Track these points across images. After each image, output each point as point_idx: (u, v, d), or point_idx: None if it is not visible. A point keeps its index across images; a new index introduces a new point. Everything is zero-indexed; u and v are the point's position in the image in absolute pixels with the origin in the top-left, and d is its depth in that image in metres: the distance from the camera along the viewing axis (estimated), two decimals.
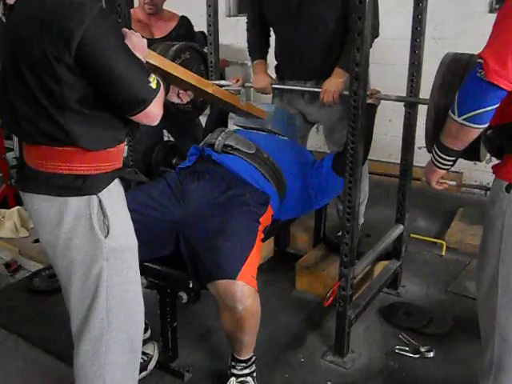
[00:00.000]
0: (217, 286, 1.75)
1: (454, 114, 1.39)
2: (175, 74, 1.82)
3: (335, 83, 2.48)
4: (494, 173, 1.50)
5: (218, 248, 1.80)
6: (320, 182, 2.31)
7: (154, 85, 1.39)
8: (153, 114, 1.42)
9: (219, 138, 2.28)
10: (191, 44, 2.72)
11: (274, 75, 2.79)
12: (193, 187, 2.07)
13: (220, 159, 2.21)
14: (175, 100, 1.99)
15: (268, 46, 2.82)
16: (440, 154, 1.53)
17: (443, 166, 1.56)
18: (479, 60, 1.29)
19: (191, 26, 3.23)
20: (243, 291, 1.75)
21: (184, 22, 3.20)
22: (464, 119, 1.36)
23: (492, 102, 1.32)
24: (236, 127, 2.53)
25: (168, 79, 1.82)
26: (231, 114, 2.61)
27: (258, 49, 2.80)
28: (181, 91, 1.99)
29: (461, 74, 1.61)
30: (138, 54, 1.44)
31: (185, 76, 1.88)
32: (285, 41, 2.63)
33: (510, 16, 1.26)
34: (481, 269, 1.55)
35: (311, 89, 2.60)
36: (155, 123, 1.46)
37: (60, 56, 1.29)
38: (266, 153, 2.25)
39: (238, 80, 2.63)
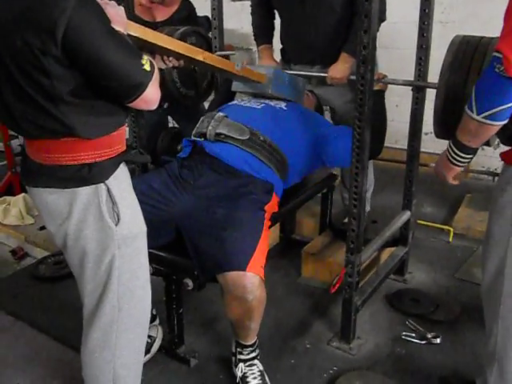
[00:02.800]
0: (226, 277, 1.73)
1: (473, 112, 1.31)
2: (161, 45, 1.71)
3: (341, 69, 2.44)
4: (502, 160, 1.47)
5: (226, 239, 1.77)
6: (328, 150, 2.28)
7: (147, 67, 1.33)
8: (150, 98, 1.37)
9: (209, 126, 2.15)
10: (196, 28, 2.68)
11: (279, 58, 2.74)
12: (192, 180, 2.03)
13: (213, 151, 2.10)
14: (161, 65, 1.90)
15: (273, 29, 2.78)
16: (457, 152, 1.46)
17: (461, 164, 1.49)
18: (496, 54, 1.22)
19: (193, 10, 3.19)
20: (253, 282, 1.73)
21: (186, 5, 3.15)
22: (484, 117, 1.30)
23: None
24: (223, 114, 2.30)
25: (154, 50, 1.72)
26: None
27: (263, 33, 2.75)
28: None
29: (471, 54, 1.57)
30: (116, 26, 1.35)
31: (171, 45, 1.77)
32: (290, 25, 2.59)
33: None
34: (486, 257, 1.53)
35: (318, 74, 2.56)
36: (154, 107, 1.42)
37: (45, 48, 1.23)
38: (261, 135, 2.13)
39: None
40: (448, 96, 1.60)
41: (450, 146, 1.48)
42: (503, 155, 1.46)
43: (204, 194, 1.99)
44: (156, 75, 1.37)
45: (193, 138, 2.21)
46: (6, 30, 1.27)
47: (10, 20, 1.26)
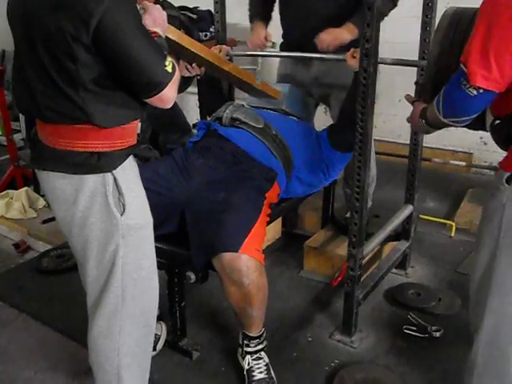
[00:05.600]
0: (221, 259, 1.75)
1: (439, 112, 1.39)
2: (193, 50, 1.81)
3: (337, 32, 2.29)
4: (498, 164, 1.45)
5: (222, 222, 1.80)
6: (324, 159, 2.30)
7: (169, 68, 1.38)
8: (167, 97, 1.41)
9: (227, 111, 2.27)
10: (165, 10, 2.60)
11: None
12: (198, 163, 2.07)
13: (226, 133, 2.20)
14: (185, 73, 1.98)
15: (270, 10, 2.66)
16: (428, 127, 1.55)
17: (432, 132, 1.59)
18: (462, 66, 1.26)
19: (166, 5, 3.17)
20: (248, 266, 1.74)
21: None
22: (449, 121, 1.38)
23: (479, 108, 1.32)
24: (241, 103, 2.49)
25: (185, 54, 1.81)
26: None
27: (258, 11, 2.63)
28: (190, 65, 1.99)
29: (461, 39, 1.44)
30: (157, 29, 1.44)
31: (202, 52, 1.90)
32: (290, 7, 2.52)
33: (486, 15, 1.23)
34: (475, 261, 1.50)
35: (307, 55, 2.40)
36: (169, 106, 1.46)
37: (77, 35, 1.28)
38: (274, 129, 2.24)
39: (220, 50, 2.44)
40: (434, 94, 1.51)
41: (422, 121, 1.55)
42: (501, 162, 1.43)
43: (207, 177, 2.01)
44: (176, 78, 1.41)
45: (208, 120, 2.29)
46: (42, 15, 1.32)
47: (47, 5, 1.31)
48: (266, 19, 2.63)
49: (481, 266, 1.46)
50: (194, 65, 2.01)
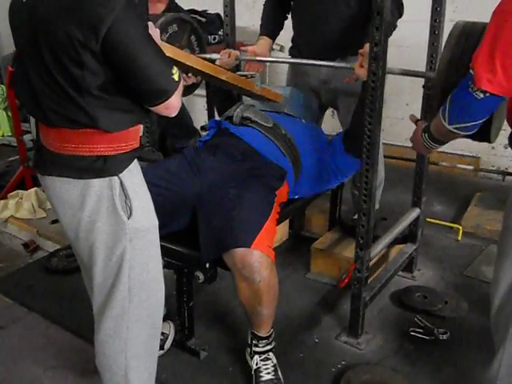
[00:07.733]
0: (233, 255, 1.76)
1: (445, 120, 1.40)
2: (189, 64, 1.84)
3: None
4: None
5: (234, 218, 1.81)
6: (336, 163, 2.33)
7: (176, 77, 1.39)
8: (172, 105, 1.42)
9: (237, 110, 2.31)
10: (178, 15, 2.60)
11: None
12: (209, 161, 2.09)
13: (237, 131, 2.23)
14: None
15: (279, 27, 2.74)
16: (431, 142, 1.58)
17: (435, 149, 1.62)
18: (470, 71, 1.28)
19: (180, 12, 3.19)
20: (260, 262, 1.75)
21: (173, 6, 3.16)
22: (454, 128, 1.40)
23: (486, 114, 1.33)
24: (252, 103, 2.50)
25: (180, 67, 1.84)
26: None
27: (267, 26, 2.71)
28: (186, 74, 2.03)
29: (472, 47, 1.46)
30: None
31: (198, 65, 1.92)
32: (304, 17, 2.56)
33: (495, 21, 1.25)
34: (499, 277, 1.48)
35: (315, 62, 2.41)
36: (173, 115, 1.47)
37: (86, 42, 1.28)
38: (283, 129, 2.27)
39: (229, 55, 2.44)
40: (445, 97, 1.52)
41: (425, 137, 1.58)
42: None
43: (218, 174, 2.03)
44: (181, 86, 1.43)
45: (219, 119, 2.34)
46: (50, 19, 1.31)
47: (55, 10, 1.31)
48: (274, 34, 2.73)
49: (508, 276, 1.44)
50: (190, 74, 2.04)
